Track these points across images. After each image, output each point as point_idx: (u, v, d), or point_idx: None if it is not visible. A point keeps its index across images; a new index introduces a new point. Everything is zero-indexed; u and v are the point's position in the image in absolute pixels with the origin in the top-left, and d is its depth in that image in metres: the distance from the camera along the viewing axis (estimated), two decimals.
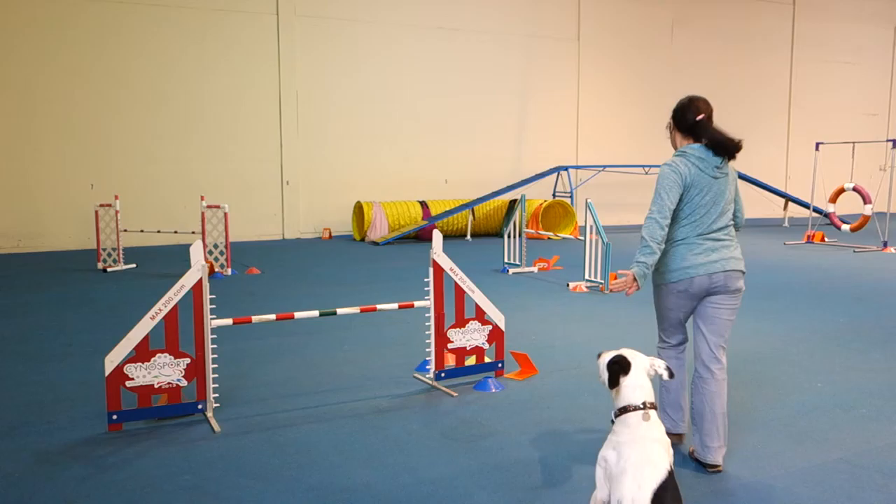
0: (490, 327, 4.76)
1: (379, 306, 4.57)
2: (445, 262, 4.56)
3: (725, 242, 3.44)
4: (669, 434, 3.48)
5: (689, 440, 3.61)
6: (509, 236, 10.01)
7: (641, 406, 2.54)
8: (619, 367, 2.63)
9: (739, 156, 3.61)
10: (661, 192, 3.38)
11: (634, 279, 3.33)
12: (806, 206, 16.09)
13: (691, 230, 3.41)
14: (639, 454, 2.40)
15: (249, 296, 8.06)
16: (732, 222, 3.53)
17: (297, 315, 4.39)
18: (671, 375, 2.66)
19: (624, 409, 2.56)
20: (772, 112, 20.33)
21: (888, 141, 13.02)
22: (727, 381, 3.53)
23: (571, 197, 15.52)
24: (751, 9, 19.64)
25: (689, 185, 3.40)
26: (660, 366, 2.66)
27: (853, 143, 14.03)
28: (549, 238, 13.23)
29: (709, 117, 3.47)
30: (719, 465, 3.37)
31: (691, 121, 3.46)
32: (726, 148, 3.42)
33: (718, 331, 3.43)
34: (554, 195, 16.25)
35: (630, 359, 2.65)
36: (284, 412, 4.18)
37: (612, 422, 2.61)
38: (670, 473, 2.36)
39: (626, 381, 2.60)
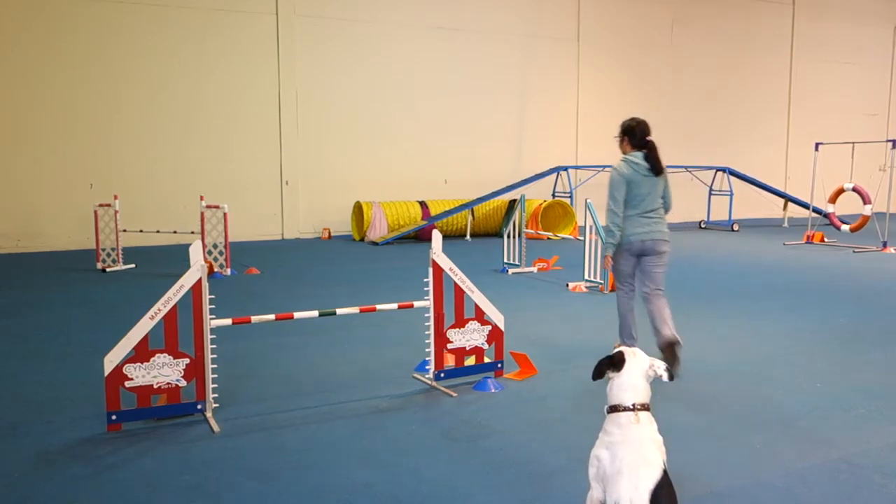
0: (489, 327, 4.75)
1: (378, 306, 4.57)
2: (445, 262, 4.55)
3: (656, 219, 5.02)
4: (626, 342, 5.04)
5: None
6: (509, 236, 10.01)
7: (631, 407, 2.50)
8: (608, 361, 2.60)
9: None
10: (612, 191, 5.03)
11: (610, 258, 5.15)
12: (805, 206, 16.09)
13: (632, 211, 5.01)
14: (633, 454, 2.38)
15: (249, 296, 8.06)
16: (661, 206, 5.06)
17: (297, 315, 4.39)
18: (671, 377, 2.63)
19: (614, 409, 2.53)
20: (771, 112, 20.33)
21: (888, 141, 13.01)
22: (666, 300, 5.06)
23: (571, 197, 15.53)
24: (751, 9, 19.64)
25: (629, 181, 4.98)
26: (659, 367, 2.59)
27: (853, 143, 14.02)
28: (548, 238, 13.23)
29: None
30: (677, 338, 4.88)
31: (643, 139, 5.01)
32: (655, 167, 4.97)
33: (652, 280, 5.04)
34: (553, 195, 16.26)
35: (627, 356, 2.60)
36: (284, 412, 4.18)
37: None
38: (665, 472, 2.35)
39: (618, 380, 2.57)
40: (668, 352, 4.86)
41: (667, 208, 5.16)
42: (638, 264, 5.08)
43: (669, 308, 5.02)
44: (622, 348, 2.65)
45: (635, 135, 5.01)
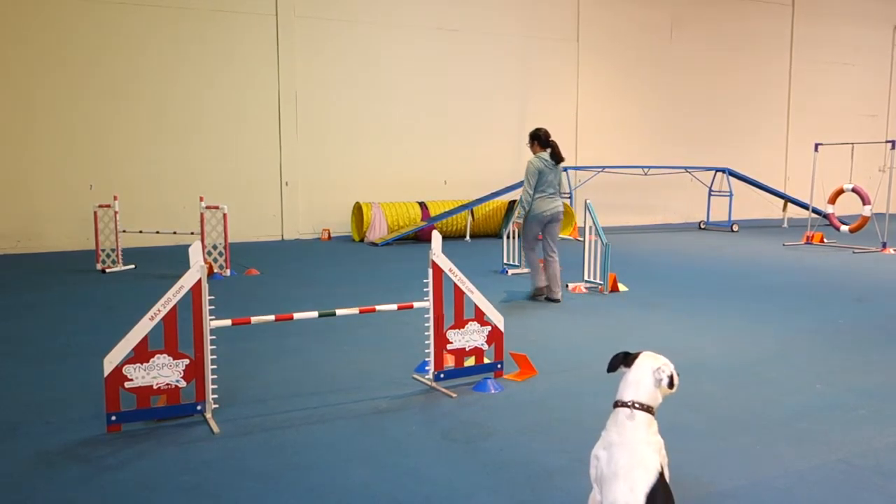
0: (489, 328, 4.75)
1: (378, 307, 4.57)
2: (445, 263, 4.56)
3: (557, 197, 7.38)
4: (538, 288, 7.55)
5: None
6: (508, 237, 10.01)
7: (629, 404, 2.53)
8: (622, 356, 2.68)
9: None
10: (528, 178, 7.23)
11: (519, 224, 7.57)
12: (805, 206, 16.09)
13: (542, 193, 7.28)
14: (629, 457, 2.39)
15: (248, 297, 8.05)
16: (558, 189, 7.37)
17: (296, 316, 4.39)
18: (671, 385, 2.62)
19: (615, 404, 2.58)
20: (771, 113, 20.33)
21: (887, 142, 13.02)
22: (558, 262, 7.56)
23: (571, 197, 15.53)
24: (750, 10, 19.65)
25: (540, 172, 7.21)
26: (664, 372, 2.58)
27: (852, 143, 14.03)
28: None
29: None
30: (560, 299, 7.48)
31: (547, 141, 7.33)
32: (558, 158, 7.31)
33: (552, 239, 7.48)
34: None
35: (642, 355, 2.65)
36: (283, 413, 4.18)
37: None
38: (661, 475, 2.36)
39: (626, 376, 2.61)
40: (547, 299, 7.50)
41: (561, 192, 7.50)
42: (544, 229, 7.39)
43: (559, 272, 7.53)
44: (643, 350, 2.71)
45: (541, 138, 7.31)
